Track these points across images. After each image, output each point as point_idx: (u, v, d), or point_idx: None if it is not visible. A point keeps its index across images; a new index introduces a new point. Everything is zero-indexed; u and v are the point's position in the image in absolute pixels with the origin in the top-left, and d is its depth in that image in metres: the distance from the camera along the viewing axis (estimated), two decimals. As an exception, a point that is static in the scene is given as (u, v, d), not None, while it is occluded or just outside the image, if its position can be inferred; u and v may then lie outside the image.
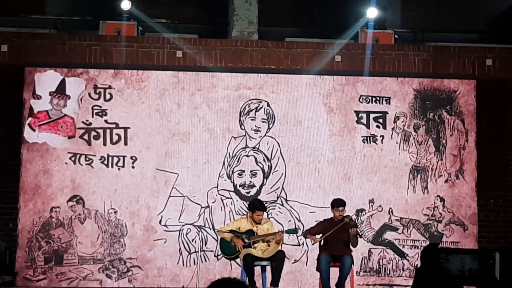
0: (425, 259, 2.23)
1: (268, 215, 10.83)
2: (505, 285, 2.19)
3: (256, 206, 9.87)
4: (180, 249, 11.07)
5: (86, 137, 11.19)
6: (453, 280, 2.21)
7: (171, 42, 11.31)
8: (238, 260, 9.91)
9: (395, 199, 11.37)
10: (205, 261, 10.99)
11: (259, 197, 10.87)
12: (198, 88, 11.42)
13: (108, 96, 11.28)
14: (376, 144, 11.42)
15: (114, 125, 11.24)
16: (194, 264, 10.79)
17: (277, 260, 9.58)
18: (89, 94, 11.24)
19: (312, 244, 10.02)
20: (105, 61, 11.18)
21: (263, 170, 11.37)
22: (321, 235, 9.81)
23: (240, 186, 11.31)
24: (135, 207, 11.16)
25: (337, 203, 9.93)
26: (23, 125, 11.16)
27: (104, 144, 11.19)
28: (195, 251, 10.89)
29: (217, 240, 10.44)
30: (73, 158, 11.14)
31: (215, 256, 11.00)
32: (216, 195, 11.27)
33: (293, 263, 11.14)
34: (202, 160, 11.32)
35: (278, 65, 11.42)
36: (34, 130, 11.10)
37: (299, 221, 11.22)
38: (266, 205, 10.16)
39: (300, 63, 11.44)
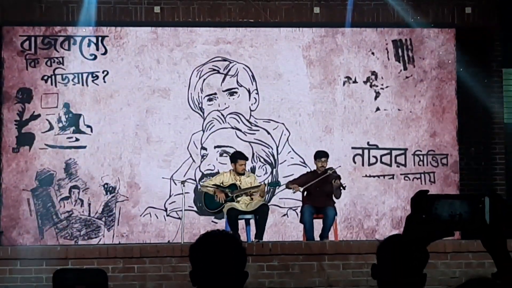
0: (415, 206, 2.26)
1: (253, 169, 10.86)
2: (495, 229, 2.22)
3: (238, 156, 9.96)
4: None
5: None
6: (443, 225, 2.24)
7: (148, -3, 11.21)
8: (222, 215, 9.97)
9: (377, 150, 11.42)
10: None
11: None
12: (177, 43, 11.36)
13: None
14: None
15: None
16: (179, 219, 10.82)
17: (261, 213, 9.67)
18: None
19: (293, 192, 10.05)
20: (83, 19, 11.06)
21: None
22: (305, 186, 9.90)
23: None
24: (117, 164, 11.16)
25: (320, 154, 10.03)
26: (3, 84, 11.08)
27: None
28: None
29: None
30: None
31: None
32: (200, 150, 11.29)
33: (282, 216, 11.19)
34: (183, 116, 11.31)
35: (257, 19, 11.35)
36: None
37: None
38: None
39: (278, 16, 11.38)
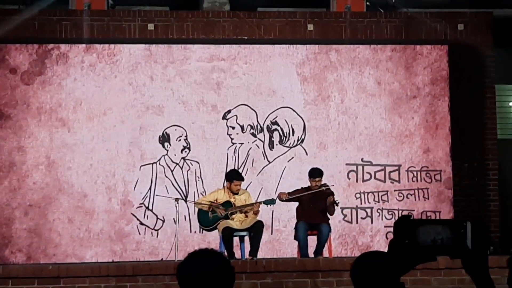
0: (398, 231, 2.27)
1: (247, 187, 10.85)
2: (476, 254, 2.23)
3: (234, 176, 9.91)
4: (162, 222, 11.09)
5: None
6: (426, 250, 2.24)
7: (142, 15, 11.22)
8: (216, 232, 9.94)
9: (370, 166, 11.42)
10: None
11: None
12: (170, 60, 11.37)
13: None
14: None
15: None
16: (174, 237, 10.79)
17: (256, 231, 9.64)
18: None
19: (281, 200, 9.97)
20: (76, 36, 11.08)
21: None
22: (293, 196, 9.89)
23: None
24: (111, 181, 11.13)
25: (315, 174, 9.97)
26: (-4, 102, 11.09)
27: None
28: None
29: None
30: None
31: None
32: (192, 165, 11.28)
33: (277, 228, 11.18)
34: (177, 133, 11.30)
35: (251, 36, 11.36)
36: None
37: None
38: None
39: (272, 33, 11.40)
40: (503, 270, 8.12)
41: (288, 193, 10.01)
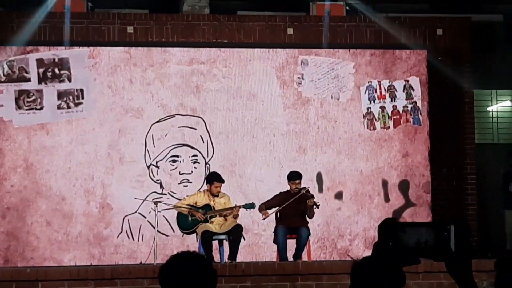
0: (382, 233, 2.28)
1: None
2: (460, 256, 2.25)
3: (214, 178, 9.92)
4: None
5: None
6: (410, 252, 2.26)
7: (121, 17, 11.20)
8: (195, 235, 9.93)
9: (349, 170, 11.45)
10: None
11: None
12: (150, 63, 11.33)
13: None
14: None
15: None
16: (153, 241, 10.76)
17: (235, 234, 9.65)
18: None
19: (263, 219, 10.06)
20: (55, 38, 11.03)
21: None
22: (273, 209, 9.91)
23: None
24: (90, 184, 11.08)
25: (294, 176, 10.00)
26: (-26, 104, 11.00)
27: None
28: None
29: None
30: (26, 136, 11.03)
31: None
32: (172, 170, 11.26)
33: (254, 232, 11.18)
34: (156, 136, 11.27)
35: (231, 39, 11.38)
36: None
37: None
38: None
39: (252, 37, 11.41)
40: (482, 274, 8.21)
41: (266, 209, 9.93)
